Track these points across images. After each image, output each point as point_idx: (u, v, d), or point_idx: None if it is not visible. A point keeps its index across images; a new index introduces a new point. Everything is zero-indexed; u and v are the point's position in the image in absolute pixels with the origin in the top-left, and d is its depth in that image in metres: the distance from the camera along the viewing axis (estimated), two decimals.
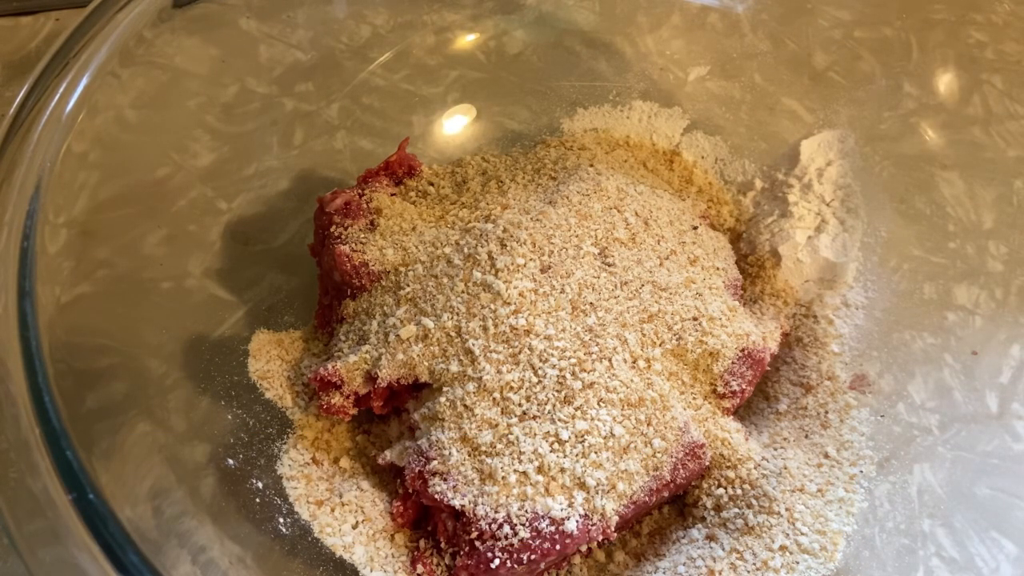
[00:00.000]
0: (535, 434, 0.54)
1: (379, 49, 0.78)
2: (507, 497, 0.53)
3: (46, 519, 0.44)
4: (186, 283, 0.65)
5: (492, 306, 0.58)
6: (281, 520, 0.57)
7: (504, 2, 0.82)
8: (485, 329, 0.57)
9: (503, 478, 0.53)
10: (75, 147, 0.58)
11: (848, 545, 0.57)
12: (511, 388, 0.56)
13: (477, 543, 0.53)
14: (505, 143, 0.79)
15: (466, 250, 0.61)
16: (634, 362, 0.59)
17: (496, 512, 0.52)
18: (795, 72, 0.79)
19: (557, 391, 0.56)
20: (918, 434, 0.63)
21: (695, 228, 0.68)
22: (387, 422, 0.63)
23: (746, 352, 0.62)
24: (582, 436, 0.55)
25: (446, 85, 0.79)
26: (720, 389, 0.61)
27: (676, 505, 0.62)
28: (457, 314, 0.58)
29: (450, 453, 0.54)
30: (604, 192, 0.66)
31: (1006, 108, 0.73)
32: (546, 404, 0.55)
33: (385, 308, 0.60)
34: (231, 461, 0.59)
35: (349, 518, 0.58)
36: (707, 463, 0.59)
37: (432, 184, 0.70)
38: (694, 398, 0.61)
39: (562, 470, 0.53)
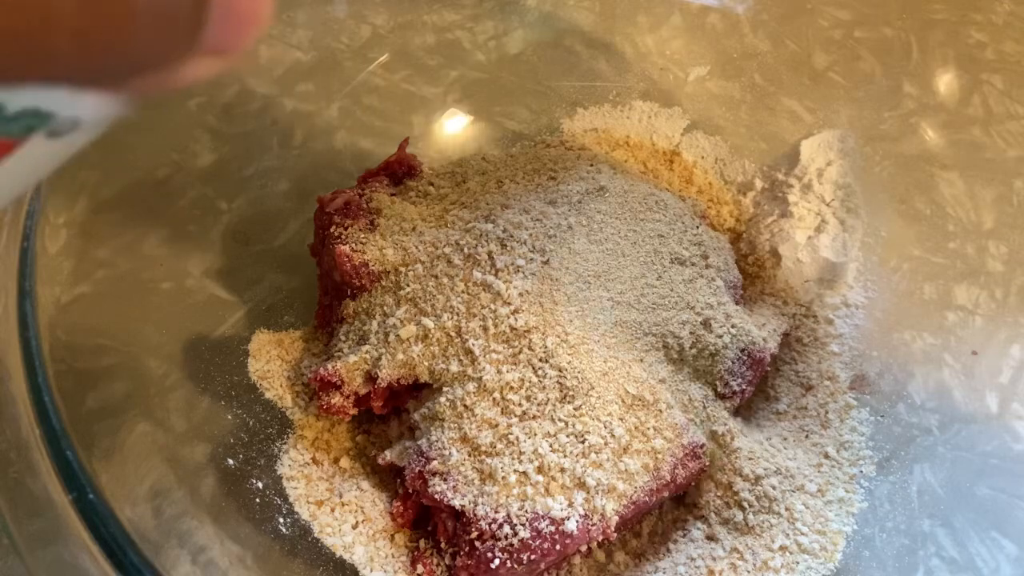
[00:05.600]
0: (535, 434, 0.54)
1: (379, 49, 0.78)
2: (507, 497, 0.53)
3: (46, 519, 0.44)
4: (186, 283, 0.65)
5: (492, 306, 0.58)
6: (281, 520, 0.57)
7: (504, 2, 0.82)
8: (485, 329, 0.57)
9: (503, 478, 0.53)
10: None
11: (848, 545, 0.57)
12: (511, 388, 0.56)
13: (477, 543, 0.53)
14: (505, 143, 0.79)
15: (466, 250, 0.61)
16: (634, 362, 0.59)
17: (496, 512, 0.52)
18: (795, 72, 0.79)
19: (557, 391, 0.56)
20: (918, 434, 0.63)
21: (695, 228, 0.68)
22: (387, 422, 0.63)
23: (746, 352, 0.62)
24: (582, 436, 0.55)
25: (446, 85, 0.79)
26: (720, 389, 0.61)
27: (676, 505, 0.62)
28: (457, 314, 0.58)
29: (450, 453, 0.54)
30: (604, 192, 0.66)
31: (1006, 108, 0.73)
32: (546, 404, 0.55)
33: (385, 308, 0.60)
34: (231, 461, 0.59)
35: (349, 518, 0.58)
36: (707, 463, 0.59)
37: (432, 184, 0.70)
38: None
39: (562, 470, 0.54)
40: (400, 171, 0.70)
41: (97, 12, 0.21)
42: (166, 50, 0.23)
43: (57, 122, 0.24)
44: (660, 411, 0.57)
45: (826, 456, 0.62)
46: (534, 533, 0.52)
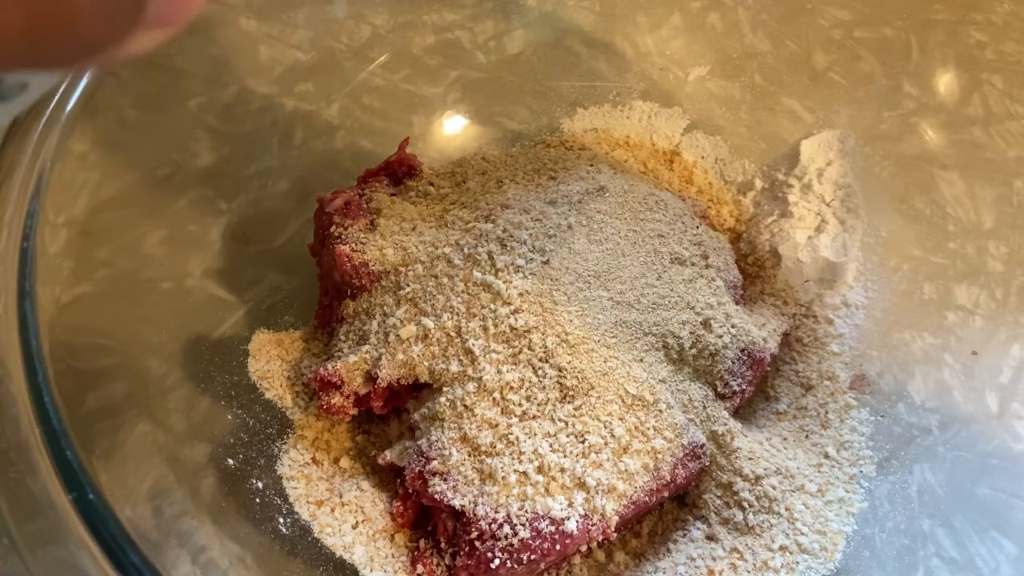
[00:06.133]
0: (535, 434, 0.54)
1: (379, 49, 0.78)
2: (507, 497, 0.53)
3: (46, 519, 0.44)
4: (186, 283, 0.65)
5: (492, 306, 0.58)
6: (281, 520, 0.57)
7: (504, 2, 0.82)
8: (485, 329, 0.57)
9: (503, 478, 0.53)
10: (75, 147, 0.58)
11: (848, 545, 0.57)
12: (511, 388, 0.56)
13: (477, 543, 0.53)
14: (505, 143, 0.79)
15: (466, 250, 0.61)
16: (634, 362, 0.59)
17: (496, 512, 0.52)
18: (795, 72, 0.79)
19: (557, 391, 0.56)
20: (918, 434, 0.63)
21: (695, 228, 0.68)
22: (387, 422, 0.63)
23: (746, 352, 0.62)
24: (582, 436, 0.55)
25: (446, 85, 0.79)
26: (720, 389, 0.61)
27: (676, 505, 0.62)
28: (457, 314, 0.58)
29: (450, 453, 0.54)
30: (604, 192, 0.66)
31: (1006, 108, 0.73)
32: (546, 404, 0.55)
33: (385, 308, 0.60)
34: (231, 461, 0.59)
35: (349, 518, 0.58)
36: (707, 463, 0.59)
37: (432, 184, 0.70)
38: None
39: (562, 470, 0.54)
40: (400, 171, 0.70)
41: (44, 11, 0.22)
42: (111, 32, 0.24)
43: (5, 87, 0.25)
44: (660, 411, 0.57)
45: (826, 456, 0.62)
46: (534, 533, 0.52)
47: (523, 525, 0.52)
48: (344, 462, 0.61)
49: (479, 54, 0.81)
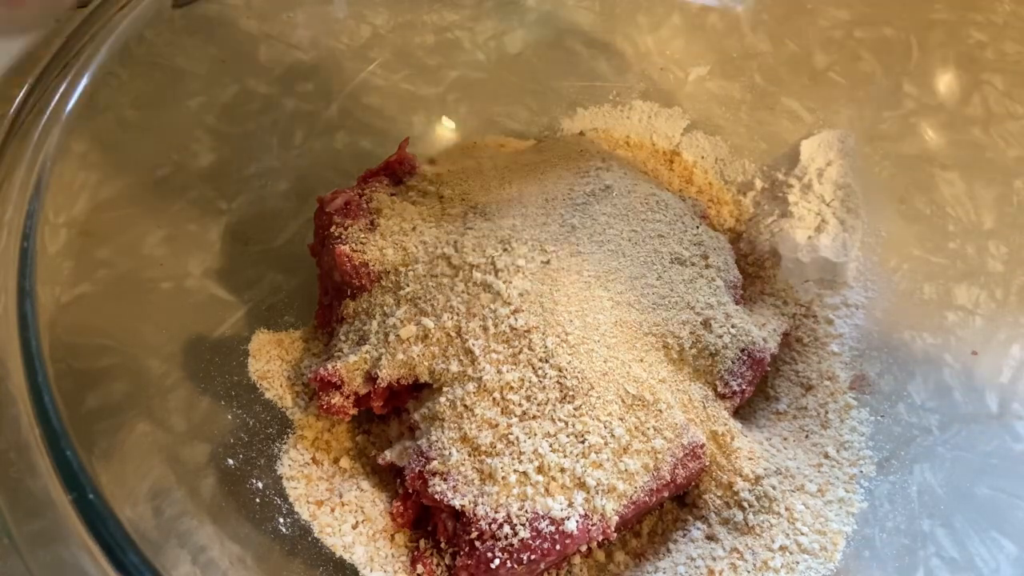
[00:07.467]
0: (535, 434, 0.54)
1: (379, 49, 0.78)
2: (507, 497, 0.53)
3: (46, 519, 0.44)
4: (186, 283, 0.65)
5: (492, 306, 0.58)
6: (281, 520, 0.57)
7: (504, 2, 0.82)
8: (485, 329, 0.57)
9: (503, 478, 0.53)
10: (75, 147, 0.58)
11: (848, 545, 0.57)
12: (511, 388, 0.56)
13: (477, 543, 0.53)
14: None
15: (466, 250, 0.61)
16: (634, 362, 0.59)
17: (496, 512, 0.52)
18: (795, 72, 0.79)
19: (557, 391, 0.56)
20: (918, 434, 0.63)
21: (695, 228, 0.68)
22: (387, 422, 0.63)
23: (746, 352, 0.62)
24: (582, 436, 0.55)
25: (446, 85, 0.80)
26: (720, 389, 0.61)
27: (676, 505, 0.62)
28: (457, 314, 0.58)
29: (450, 453, 0.54)
30: (609, 191, 0.66)
31: (1006, 108, 0.73)
32: (546, 404, 0.55)
33: (385, 308, 0.60)
34: (231, 461, 0.59)
35: (349, 518, 0.58)
36: (707, 463, 0.59)
37: (432, 184, 0.70)
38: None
39: (562, 470, 0.54)
40: (400, 171, 0.70)
41: None
42: None
43: None
44: (660, 411, 0.57)
45: (826, 456, 0.62)
46: (534, 533, 0.52)
47: (523, 525, 0.52)
48: (344, 462, 0.61)
49: (479, 54, 0.81)
